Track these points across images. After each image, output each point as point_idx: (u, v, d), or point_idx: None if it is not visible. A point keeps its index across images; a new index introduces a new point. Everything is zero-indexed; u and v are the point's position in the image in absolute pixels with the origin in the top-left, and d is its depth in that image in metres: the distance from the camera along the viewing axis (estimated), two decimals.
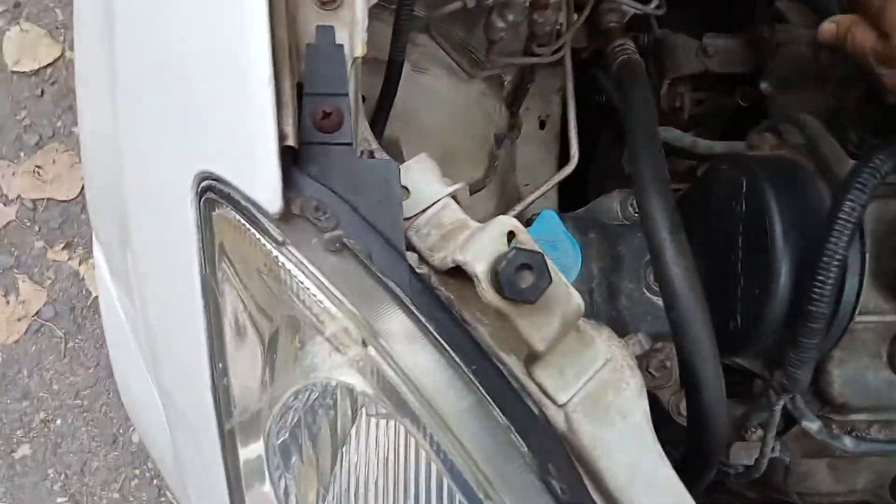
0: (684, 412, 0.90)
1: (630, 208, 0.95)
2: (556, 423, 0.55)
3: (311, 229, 0.48)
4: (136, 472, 1.71)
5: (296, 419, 0.51)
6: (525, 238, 0.52)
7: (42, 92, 1.89)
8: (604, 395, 0.57)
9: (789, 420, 0.83)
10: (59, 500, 1.69)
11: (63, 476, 1.70)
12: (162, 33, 0.53)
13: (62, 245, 1.79)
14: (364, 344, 0.48)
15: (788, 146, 0.87)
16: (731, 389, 0.91)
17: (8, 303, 1.75)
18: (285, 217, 0.48)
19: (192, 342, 0.53)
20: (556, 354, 0.55)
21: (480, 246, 0.52)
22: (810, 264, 0.70)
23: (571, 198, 1.08)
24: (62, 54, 1.90)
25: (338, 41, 0.51)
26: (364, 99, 0.83)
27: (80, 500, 1.70)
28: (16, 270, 1.77)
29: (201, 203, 0.50)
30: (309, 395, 0.49)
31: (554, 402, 0.55)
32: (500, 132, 1.02)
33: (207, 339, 0.52)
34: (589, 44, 1.05)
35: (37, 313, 1.75)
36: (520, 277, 0.49)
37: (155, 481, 1.70)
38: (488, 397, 0.49)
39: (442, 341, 0.48)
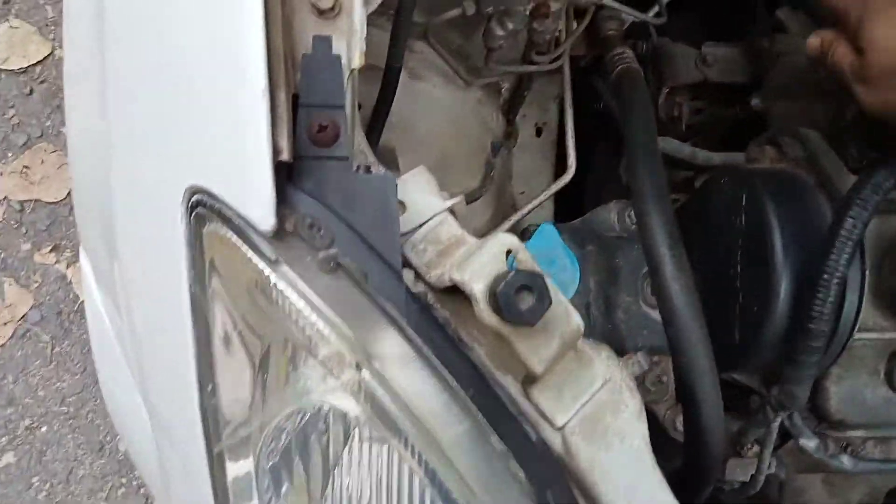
0: (680, 427, 0.89)
1: (627, 219, 0.94)
2: (553, 445, 0.54)
3: (305, 247, 0.47)
4: (123, 480, 1.68)
5: (287, 442, 0.49)
6: (524, 257, 0.51)
7: (31, 90, 1.86)
8: (602, 418, 0.56)
9: (785, 435, 0.82)
10: None
11: (48, 485, 1.67)
12: (153, 37, 0.52)
13: (49, 248, 1.76)
14: (358, 367, 0.46)
15: (788, 159, 0.86)
16: (727, 404, 0.90)
17: None
18: (278, 234, 0.47)
19: (180, 360, 0.52)
20: (555, 375, 0.54)
21: (479, 265, 0.50)
22: (810, 280, 0.69)
23: (568, 207, 1.07)
24: (52, 52, 1.88)
25: (335, 51, 0.50)
26: (360, 106, 0.82)
27: None
28: (2, 273, 1.74)
29: (192, 218, 0.48)
30: (301, 418, 0.48)
31: (552, 424, 0.54)
32: (496, 140, 1.01)
33: (196, 358, 0.50)
34: (587, 51, 1.03)
35: (23, 317, 1.72)
36: (519, 299, 0.47)
37: (142, 490, 1.67)
38: (485, 422, 0.47)
39: (438, 365, 0.47)
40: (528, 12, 0.79)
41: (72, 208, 1.74)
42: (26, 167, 1.80)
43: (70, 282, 1.74)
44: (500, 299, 0.48)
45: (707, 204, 0.87)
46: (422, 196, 0.56)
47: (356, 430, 0.47)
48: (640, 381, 0.89)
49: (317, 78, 0.49)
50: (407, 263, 0.55)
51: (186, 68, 0.49)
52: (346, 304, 0.47)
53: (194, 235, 0.48)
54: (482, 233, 0.94)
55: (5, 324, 1.71)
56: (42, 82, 1.87)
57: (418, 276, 0.55)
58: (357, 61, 0.50)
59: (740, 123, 1.08)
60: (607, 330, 0.87)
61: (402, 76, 0.79)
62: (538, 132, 1.14)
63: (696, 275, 0.83)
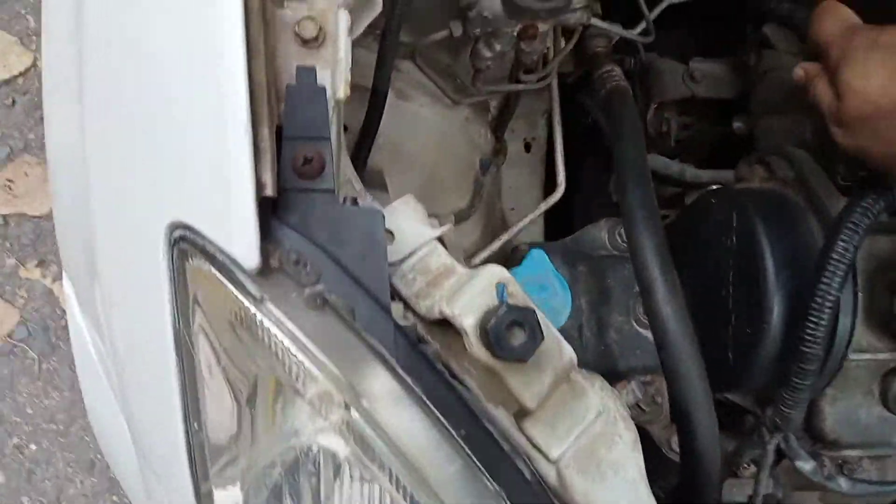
0: (675, 447, 0.88)
1: (618, 237, 0.93)
2: (548, 478, 0.54)
3: (290, 284, 0.46)
4: (115, 499, 1.66)
5: (275, 481, 0.48)
6: (515, 290, 0.50)
7: (13, 102, 1.84)
8: (597, 450, 0.55)
9: (781, 453, 0.82)
10: None
11: None
12: (132, 69, 0.50)
13: (35, 262, 1.73)
14: (347, 407, 0.45)
15: (778, 179, 0.85)
16: (721, 422, 0.90)
17: None
18: (263, 271, 0.45)
19: (164, 396, 0.50)
20: (548, 408, 0.53)
21: (469, 298, 0.50)
22: (802, 303, 0.69)
23: (558, 223, 1.07)
24: (34, 63, 1.85)
25: (319, 81, 0.49)
26: (347, 128, 0.81)
27: None
28: None
29: (174, 253, 0.47)
30: (290, 458, 0.47)
31: (546, 457, 0.53)
32: (485, 158, 1.00)
33: (181, 395, 0.49)
34: (576, 69, 1.03)
35: (9, 334, 1.69)
36: (511, 335, 0.47)
37: None
38: (477, 462, 0.46)
39: (428, 403, 0.46)
40: (515, 34, 0.79)
41: None
42: (10, 181, 1.78)
43: (57, 297, 1.72)
44: (491, 335, 0.47)
45: (697, 224, 0.87)
46: (410, 225, 0.56)
47: (346, 470, 0.46)
48: (635, 402, 0.88)
49: (301, 109, 0.48)
50: (396, 295, 0.54)
51: (167, 101, 0.48)
52: (333, 342, 0.45)
53: (177, 271, 0.47)
54: (473, 251, 0.94)
55: None
56: (24, 93, 1.85)
57: (408, 307, 0.54)
58: (342, 91, 0.49)
59: (729, 138, 1.08)
60: (600, 351, 0.86)
61: (390, 97, 0.78)
62: (527, 147, 1.14)
63: (688, 294, 0.83)
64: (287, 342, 0.45)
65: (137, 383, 0.55)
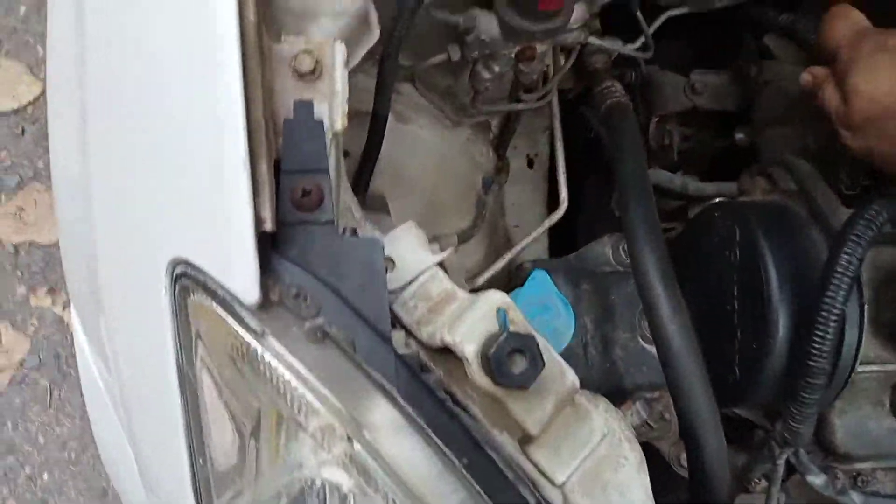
0: (685, 463, 0.87)
1: (622, 253, 0.93)
2: (554, 503, 0.53)
3: (291, 317, 0.46)
4: None
5: None
6: (516, 316, 0.50)
7: (23, 131, 1.86)
8: (602, 473, 0.55)
9: (792, 468, 0.81)
10: None
11: None
12: (133, 102, 0.51)
13: (45, 290, 1.75)
14: (349, 440, 0.45)
15: (780, 190, 0.85)
16: (731, 437, 0.89)
17: None
18: (264, 306, 0.46)
19: (170, 432, 0.51)
20: (552, 432, 0.53)
21: (470, 325, 0.50)
22: (808, 316, 0.68)
23: (563, 240, 1.07)
24: (43, 92, 1.87)
25: (317, 115, 0.49)
26: (347, 154, 0.82)
27: None
28: None
29: (176, 289, 0.47)
30: (294, 491, 0.47)
31: (551, 481, 0.53)
32: (487, 176, 1.01)
33: (186, 430, 0.50)
34: (575, 85, 1.03)
35: (20, 362, 1.70)
36: (511, 362, 0.47)
37: None
38: (480, 491, 0.46)
39: (431, 433, 0.46)
40: (513, 55, 0.79)
41: None
42: (20, 208, 1.80)
43: (67, 324, 1.73)
44: (493, 363, 0.47)
45: (701, 238, 0.87)
46: (411, 252, 0.56)
47: (351, 502, 0.46)
48: (643, 419, 0.88)
49: (299, 143, 0.48)
50: (398, 322, 0.55)
51: (167, 137, 0.48)
52: (334, 375, 0.46)
53: (179, 307, 0.47)
54: (477, 270, 0.94)
55: (2, 370, 1.70)
56: (34, 122, 1.87)
57: (410, 334, 0.55)
58: (340, 124, 0.50)
59: (731, 150, 1.08)
60: (606, 368, 0.86)
61: (390, 120, 0.79)
62: (530, 164, 1.14)
63: (693, 309, 0.83)
64: (288, 376, 0.45)
65: (143, 417, 0.56)
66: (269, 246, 0.47)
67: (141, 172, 0.50)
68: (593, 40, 0.86)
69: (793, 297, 0.73)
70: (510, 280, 0.93)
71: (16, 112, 1.86)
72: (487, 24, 0.75)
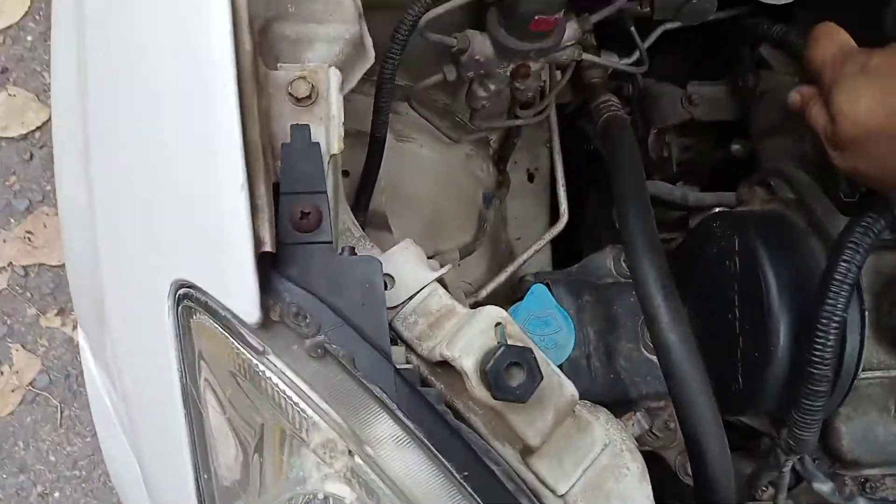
0: (691, 472, 0.88)
1: (623, 264, 0.94)
2: None
3: (291, 335, 0.47)
4: None
5: None
6: (514, 330, 0.51)
7: (31, 156, 1.88)
8: (604, 483, 0.55)
9: (800, 474, 0.81)
10: None
11: None
12: (134, 130, 0.53)
13: (55, 311, 1.77)
14: (350, 454, 0.46)
15: (779, 200, 0.86)
16: (738, 445, 0.89)
17: (1, 374, 1.73)
18: (264, 324, 0.47)
19: (175, 449, 0.51)
20: (553, 444, 0.54)
21: (468, 340, 0.51)
22: (808, 324, 0.68)
23: (567, 252, 1.07)
24: (50, 118, 1.90)
25: (313, 138, 0.50)
26: (348, 173, 0.83)
27: None
28: (9, 340, 1.74)
29: (179, 310, 0.48)
30: None
31: (553, 492, 0.54)
32: (488, 191, 1.02)
33: (191, 447, 0.50)
34: (574, 99, 1.04)
35: (31, 383, 1.72)
36: (509, 375, 0.48)
37: None
38: (480, 502, 0.47)
39: (430, 446, 0.47)
40: (508, 73, 0.80)
41: None
42: (29, 232, 1.82)
43: (76, 344, 1.75)
44: (490, 376, 0.48)
45: (701, 248, 0.87)
46: (410, 269, 0.57)
47: None
48: (648, 429, 0.88)
49: (297, 166, 0.49)
50: (399, 338, 0.55)
51: (168, 163, 0.50)
52: (335, 391, 0.47)
53: (182, 328, 0.48)
54: (480, 283, 0.95)
55: (13, 391, 1.72)
56: (42, 147, 1.90)
57: (410, 349, 0.56)
58: (336, 146, 0.51)
59: (731, 160, 1.08)
60: (610, 379, 0.86)
61: (389, 139, 0.80)
62: (530, 178, 1.15)
63: (696, 319, 0.83)
64: (289, 392, 0.46)
65: (148, 434, 0.57)
66: (270, 266, 0.48)
67: (143, 197, 0.51)
68: (587, 56, 0.87)
69: (793, 305, 0.74)
70: (513, 292, 0.93)
71: (24, 137, 1.89)
72: (481, 45, 0.77)
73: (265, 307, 0.46)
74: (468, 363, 0.50)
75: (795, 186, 0.83)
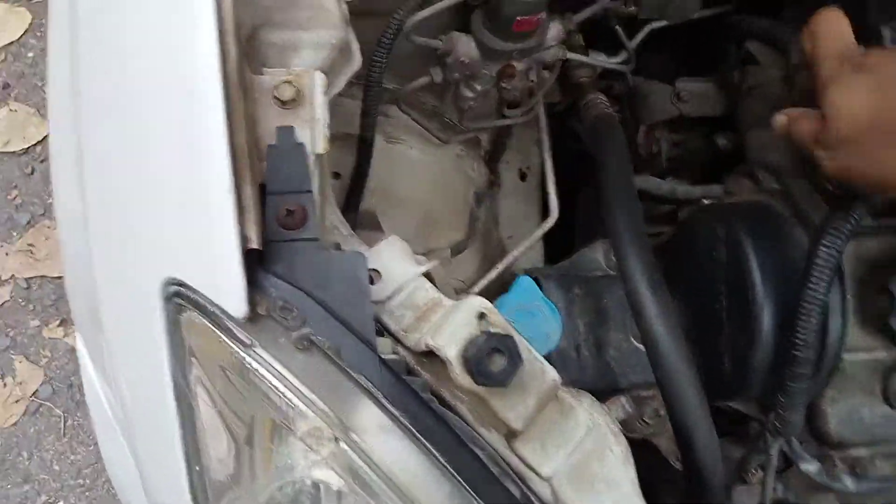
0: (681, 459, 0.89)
1: (613, 257, 0.95)
2: (542, 495, 0.55)
3: (278, 329, 0.49)
4: None
5: None
6: (496, 319, 0.52)
7: (32, 170, 1.91)
8: (589, 465, 0.57)
9: (788, 457, 0.82)
10: None
11: None
12: (123, 136, 0.54)
13: (57, 322, 1.79)
14: (336, 440, 0.48)
15: (765, 191, 0.87)
16: (727, 430, 0.90)
17: (5, 385, 1.75)
18: (252, 319, 0.48)
19: (168, 444, 0.53)
20: (537, 428, 0.55)
21: (451, 330, 0.52)
22: (792, 310, 0.70)
23: (560, 249, 1.08)
24: None
25: (299, 139, 0.52)
26: (338, 175, 0.84)
27: None
28: (11, 351, 1.76)
29: (169, 308, 0.50)
30: (287, 493, 0.49)
31: (538, 475, 0.55)
32: (479, 190, 1.03)
33: (183, 441, 0.52)
34: (563, 98, 1.06)
35: (34, 393, 1.74)
36: (490, 362, 0.49)
37: None
38: (465, 485, 0.48)
39: (415, 431, 0.48)
40: (494, 74, 0.82)
41: None
42: (31, 245, 1.84)
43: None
44: (472, 363, 0.49)
45: (689, 240, 0.89)
46: (396, 263, 0.58)
47: (341, 501, 0.48)
48: (639, 416, 0.89)
49: (282, 166, 0.51)
50: (385, 331, 0.57)
51: (157, 167, 0.51)
52: (321, 380, 0.48)
53: (173, 324, 0.50)
54: (472, 281, 0.96)
55: (17, 401, 1.74)
56: (43, 161, 1.92)
57: (397, 341, 0.57)
58: (321, 147, 0.53)
59: (721, 153, 1.10)
60: (599, 369, 0.87)
61: (379, 141, 0.81)
62: (522, 177, 1.16)
63: (685, 309, 0.84)
64: (277, 383, 0.48)
65: (143, 431, 0.58)
66: (256, 263, 0.50)
67: (134, 199, 0.53)
68: (573, 56, 0.88)
69: (777, 292, 0.75)
70: (504, 290, 0.94)
71: (26, 152, 1.92)
72: (466, 47, 0.78)
73: (252, 302, 0.48)
74: (451, 352, 0.51)
75: (779, 177, 0.84)
